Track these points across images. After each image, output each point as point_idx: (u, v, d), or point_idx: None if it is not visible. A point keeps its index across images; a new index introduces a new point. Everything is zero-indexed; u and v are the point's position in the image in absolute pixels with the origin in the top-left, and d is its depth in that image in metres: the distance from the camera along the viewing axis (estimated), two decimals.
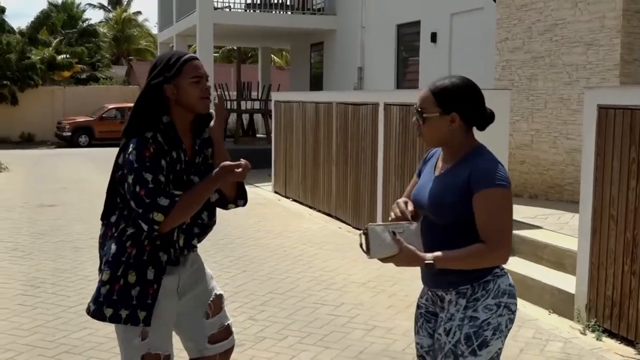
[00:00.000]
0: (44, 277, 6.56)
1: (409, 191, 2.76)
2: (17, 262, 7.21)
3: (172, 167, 2.74)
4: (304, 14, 17.45)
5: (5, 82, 28.93)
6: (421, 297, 2.75)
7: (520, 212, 7.54)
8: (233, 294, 6.02)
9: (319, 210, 10.41)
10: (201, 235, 3.04)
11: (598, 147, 5.12)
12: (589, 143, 5.22)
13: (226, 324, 3.10)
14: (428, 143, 2.66)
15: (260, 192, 12.73)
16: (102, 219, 2.89)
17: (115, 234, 2.78)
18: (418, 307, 2.76)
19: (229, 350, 3.13)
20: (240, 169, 2.69)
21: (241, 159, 2.73)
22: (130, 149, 2.65)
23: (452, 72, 12.22)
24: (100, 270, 2.80)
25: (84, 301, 5.76)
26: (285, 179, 12.03)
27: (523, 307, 5.68)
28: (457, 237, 2.44)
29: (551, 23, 8.45)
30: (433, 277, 2.55)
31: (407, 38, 14.00)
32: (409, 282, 6.49)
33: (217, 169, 2.71)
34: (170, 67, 2.73)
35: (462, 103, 2.56)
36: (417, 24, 13.40)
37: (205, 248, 7.79)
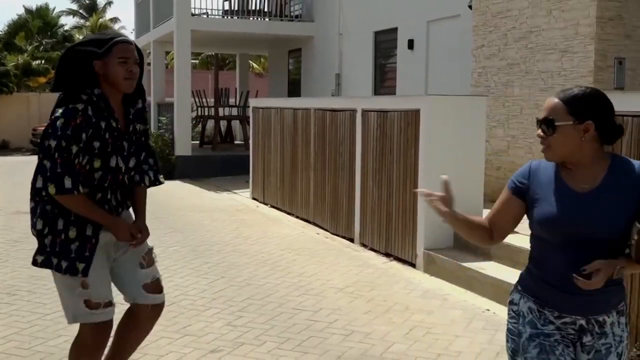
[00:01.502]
0: (20, 285, 6.50)
1: (499, 209, 2.69)
2: None
3: (101, 136, 3.06)
4: (281, 20, 17.47)
5: None
6: (546, 324, 2.47)
7: None
8: (211, 300, 6.01)
9: (297, 217, 10.42)
10: (124, 196, 3.36)
11: None
12: None
13: (157, 277, 3.45)
14: (553, 156, 2.46)
15: (238, 199, 12.72)
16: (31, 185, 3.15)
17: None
18: (547, 335, 2.46)
19: (160, 306, 3.45)
20: (126, 239, 3.23)
21: (139, 235, 3.27)
22: (59, 115, 3.01)
23: (429, 79, 12.32)
24: (33, 224, 3.17)
25: (60, 309, 5.73)
26: (264, 185, 12.02)
27: (499, 311, 5.75)
28: (610, 251, 2.33)
29: (526, 30, 8.56)
30: (591, 304, 2.39)
31: (385, 45, 14.07)
32: (387, 287, 6.54)
33: (124, 225, 3.24)
34: (101, 44, 3.07)
35: (596, 111, 2.42)
36: (394, 30, 13.47)
37: (183, 254, 7.84)
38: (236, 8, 17.45)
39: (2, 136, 29.22)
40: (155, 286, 3.38)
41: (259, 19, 17.53)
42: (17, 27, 31.52)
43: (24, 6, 36.60)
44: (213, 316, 5.57)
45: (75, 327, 3.44)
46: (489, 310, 5.79)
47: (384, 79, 14.25)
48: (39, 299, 6.03)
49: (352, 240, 8.66)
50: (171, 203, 12.06)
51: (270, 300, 6.04)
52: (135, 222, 3.35)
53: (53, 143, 2.95)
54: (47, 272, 6.96)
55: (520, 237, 6.58)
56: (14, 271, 7.03)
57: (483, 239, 2.69)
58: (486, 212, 7.98)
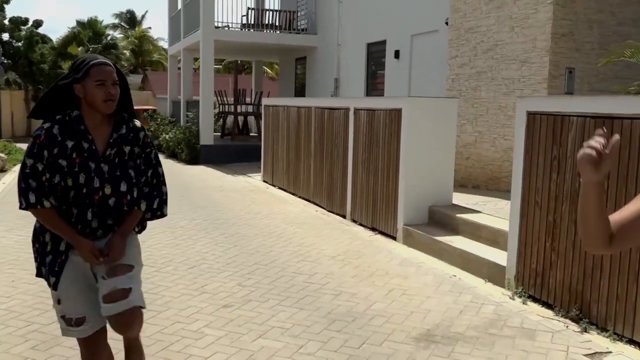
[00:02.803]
0: None
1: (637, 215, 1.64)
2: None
3: (67, 155, 2.65)
4: (290, 33, 17.35)
5: (39, 87, 28.57)
6: None
7: (464, 199, 7.61)
8: (225, 264, 6.02)
9: (299, 197, 10.41)
10: (115, 220, 2.78)
11: (527, 146, 5.17)
12: (519, 142, 5.27)
13: (120, 287, 2.70)
14: None
15: (251, 181, 12.71)
16: None
17: None
18: None
19: (124, 315, 2.70)
20: (89, 259, 2.69)
21: (100, 258, 2.68)
22: (32, 135, 2.69)
23: (412, 83, 12.26)
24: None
25: None
26: (273, 170, 12.01)
27: (464, 277, 5.76)
28: None
29: (492, 44, 8.50)
30: None
31: (375, 54, 13.99)
32: (372, 255, 6.53)
33: (87, 245, 2.67)
34: (79, 70, 2.68)
35: None
36: (383, 42, 13.39)
37: (204, 226, 7.82)
38: (252, 22, 17.35)
39: None
40: (111, 296, 2.68)
41: (272, 31, 17.42)
42: (70, 38, 31.31)
43: (76, 20, 36.40)
44: (226, 277, 5.58)
45: None
46: (455, 276, 5.78)
47: (374, 83, 14.18)
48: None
49: (344, 216, 8.65)
50: (195, 184, 12.07)
51: (274, 265, 6.05)
52: (111, 240, 2.74)
53: (23, 160, 2.67)
54: None
55: (482, 216, 6.61)
56: None
57: (600, 237, 1.64)
58: (456, 195, 8.07)
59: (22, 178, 2.64)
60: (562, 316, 4.66)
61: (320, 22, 16.85)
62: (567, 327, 4.47)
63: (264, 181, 12.46)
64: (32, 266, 4.95)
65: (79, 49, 31.62)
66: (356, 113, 8.34)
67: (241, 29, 17.39)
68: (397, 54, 12.79)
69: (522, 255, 5.21)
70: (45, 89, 28.61)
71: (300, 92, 18.29)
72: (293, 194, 10.73)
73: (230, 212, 8.97)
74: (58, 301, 2.74)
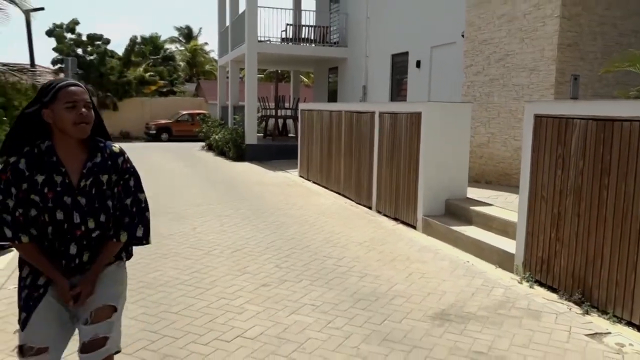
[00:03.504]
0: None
1: None
2: None
3: (38, 190, 2.18)
4: (324, 46, 17.30)
5: (108, 94, 29.21)
6: None
7: (478, 193, 7.48)
8: (265, 249, 6.03)
9: (331, 190, 10.38)
10: (95, 254, 2.33)
11: (534, 145, 5.04)
12: (527, 142, 5.14)
13: (101, 335, 2.26)
14: None
15: (289, 176, 12.74)
16: None
17: None
18: None
19: None
20: (63, 299, 2.26)
21: (71, 301, 2.25)
22: None
23: (431, 90, 12.10)
24: None
25: (158, 251, 5.82)
26: (308, 166, 12.00)
27: (476, 262, 5.66)
28: None
29: (504, 54, 8.31)
30: None
31: (399, 64, 13.85)
32: (394, 243, 6.47)
33: (61, 286, 2.24)
34: (46, 93, 2.20)
35: None
36: (406, 54, 13.25)
37: (247, 215, 7.86)
38: (291, 36, 17.35)
39: (125, 128, 29.75)
40: (91, 345, 2.25)
41: (307, 44, 17.40)
42: (131, 47, 31.82)
43: (140, 35, 36.98)
44: (265, 260, 5.60)
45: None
46: (468, 261, 5.69)
47: (398, 90, 14.04)
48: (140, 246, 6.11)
49: (370, 208, 8.59)
50: (241, 178, 12.16)
51: (308, 250, 6.04)
52: (81, 283, 2.29)
53: None
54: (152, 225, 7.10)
55: (493, 208, 6.49)
56: None
57: None
58: (470, 190, 7.96)
59: None
60: (565, 299, 4.54)
61: (350, 36, 16.75)
62: (570, 309, 4.36)
63: (300, 176, 12.47)
64: None
65: (143, 63, 32.14)
66: (381, 116, 8.27)
67: (281, 43, 17.40)
68: (418, 64, 12.63)
69: (530, 244, 5.09)
70: (113, 96, 29.37)
71: (332, 98, 18.23)
72: (325, 187, 10.71)
73: (270, 203, 9.00)
74: (22, 328, 2.24)
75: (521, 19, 7.96)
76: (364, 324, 3.98)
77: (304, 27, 17.69)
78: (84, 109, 2.20)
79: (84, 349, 2.27)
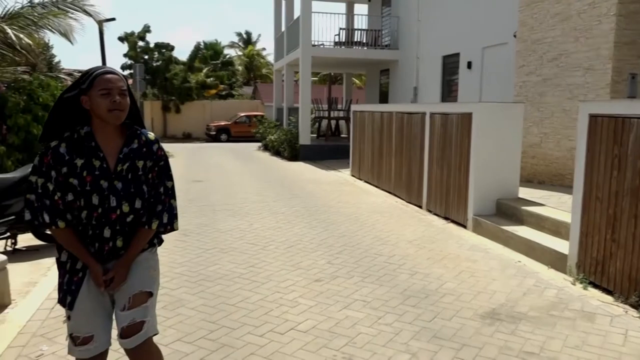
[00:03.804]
0: (191, 229, 6.76)
1: None
2: None
3: (77, 174, 2.18)
4: (375, 49, 17.17)
5: (172, 97, 30.14)
6: None
7: (529, 193, 7.22)
8: (317, 245, 6.05)
9: (382, 189, 10.30)
10: (128, 240, 2.32)
11: (588, 145, 4.82)
12: (581, 142, 4.92)
13: (138, 320, 2.29)
14: None
15: (341, 175, 12.73)
16: None
17: None
18: None
19: (139, 352, 2.32)
20: (96, 283, 2.26)
21: (103, 287, 2.26)
22: (39, 153, 2.22)
23: (482, 90, 11.78)
24: None
25: (217, 246, 5.96)
26: (359, 166, 11.96)
27: (528, 263, 5.47)
28: None
29: (557, 53, 7.98)
30: None
31: (450, 65, 13.57)
32: (444, 241, 6.35)
33: (95, 270, 2.24)
34: (84, 81, 2.21)
35: None
36: (457, 55, 12.96)
37: (301, 212, 7.92)
38: (343, 40, 17.35)
39: (187, 129, 30.60)
40: (129, 330, 2.27)
41: (360, 48, 17.34)
42: (194, 54, 32.69)
43: (203, 41, 38.06)
44: (318, 256, 5.61)
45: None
46: (520, 261, 5.50)
47: (449, 91, 13.76)
48: (203, 239, 6.28)
49: (420, 207, 8.46)
50: (295, 177, 12.25)
51: (359, 247, 6.01)
52: (114, 267, 2.29)
53: (33, 179, 2.19)
54: (209, 221, 7.26)
55: (546, 208, 6.24)
56: (189, 220, 7.30)
57: None
58: (522, 190, 7.71)
59: (35, 197, 2.19)
60: (621, 302, 4.31)
61: (401, 38, 16.56)
62: (626, 312, 4.13)
63: (352, 175, 12.44)
64: (164, 241, 5.16)
65: (204, 68, 32.96)
66: (432, 117, 8.12)
67: (334, 46, 17.42)
68: (469, 65, 12.34)
69: (584, 245, 4.86)
70: (176, 99, 30.29)
71: (383, 99, 18.09)
72: (376, 186, 10.63)
73: (323, 201, 9.02)
74: (68, 318, 2.29)
75: (576, 17, 7.62)
76: (413, 321, 3.92)
77: (356, 31, 17.64)
78: (118, 97, 2.19)
79: (123, 334, 2.29)
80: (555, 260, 5.27)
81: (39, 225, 2.19)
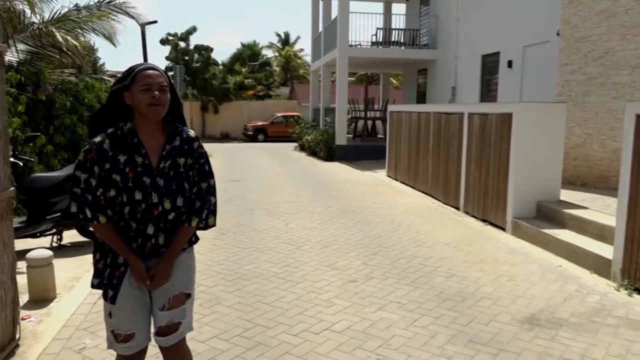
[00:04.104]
0: (229, 228, 6.85)
1: None
2: None
3: (120, 170, 2.20)
4: (413, 48, 17.02)
5: (211, 98, 30.64)
6: None
7: (572, 196, 7.02)
8: (352, 246, 6.04)
9: (418, 190, 10.20)
10: (170, 237, 2.32)
11: (635, 146, 4.64)
12: (627, 143, 4.74)
13: (176, 321, 2.34)
14: None
15: (377, 176, 12.67)
16: None
17: None
18: None
19: (174, 350, 2.38)
20: (138, 281, 2.27)
21: (147, 280, 2.26)
22: (83, 149, 2.24)
23: (523, 90, 11.52)
24: None
25: (253, 245, 6.03)
26: (396, 166, 11.87)
27: (569, 267, 5.31)
28: None
29: (603, 51, 7.73)
30: None
31: (490, 65, 13.31)
32: (482, 244, 6.23)
33: (137, 266, 2.25)
34: (127, 77, 2.22)
35: None
36: (497, 54, 12.71)
37: (336, 213, 7.92)
38: (381, 40, 17.26)
39: (225, 129, 31.06)
40: (167, 329, 2.33)
41: (397, 47, 17.21)
42: (235, 57, 33.19)
43: (240, 42, 38.60)
44: (353, 257, 5.60)
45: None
46: (561, 266, 5.35)
47: (488, 90, 13.51)
48: (240, 238, 6.36)
49: (457, 208, 8.34)
50: (331, 177, 12.26)
51: (394, 249, 5.97)
52: (157, 264, 2.29)
53: (78, 174, 2.21)
54: (246, 221, 7.34)
55: (589, 212, 6.05)
56: (226, 219, 7.40)
57: None
58: (564, 192, 7.51)
59: (79, 192, 2.20)
60: None
61: (440, 37, 16.35)
62: None
63: (388, 176, 12.36)
64: (202, 239, 5.27)
65: (243, 69, 33.39)
66: (470, 117, 7.99)
67: (371, 46, 17.35)
68: (509, 64, 12.08)
69: (629, 250, 4.69)
70: (215, 100, 30.78)
71: (420, 99, 17.90)
72: (413, 187, 10.53)
73: (359, 201, 8.99)
74: (109, 315, 2.31)
75: (622, 14, 7.36)
76: (449, 324, 3.87)
77: (393, 31, 17.52)
78: (157, 92, 2.18)
79: (160, 332, 2.34)
80: (598, 266, 5.10)
81: (83, 219, 2.22)
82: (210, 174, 2.39)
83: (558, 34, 8.93)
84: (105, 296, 2.30)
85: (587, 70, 8.04)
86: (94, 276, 2.34)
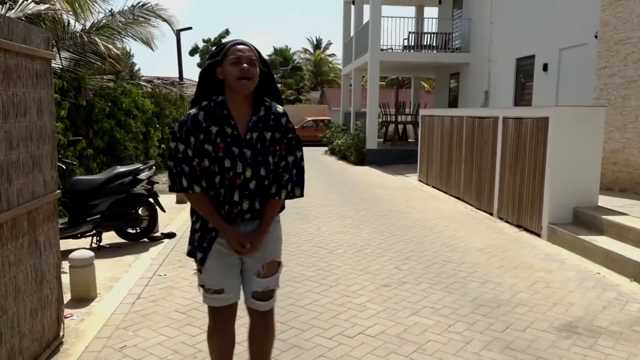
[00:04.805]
0: None
1: None
2: None
3: (212, 140, 2.32)
4: (445, 52, 16.90)
5: None
6: None
7: (610, 202, 6.86)
8: (385, 250, 6.04)
9: (451, 195, 10.11)
10: (262, 205, 2.45)
11: None
12: None
13: (271, 288, 2.54)
14: None
15: (408, 180, 12.61)
16: None
17: None
18: None
19: (266, 314, 2.57)
20: (235, 249, 2.40)
21: (247, 245, 2.39)
22: (178, 121, 2.37)
23: (559, 94, 11.30)
24: None
25: (286, 248, 6.02)
26: (427, 171, 11.80)
27: (608, 275, 5.20)
28: None
29: None
30: None
31: (524, 68, 13.11)
32: (516, 250, 6.15)
33: (234, 234, 2.38)
34: (219, 52, 2.34)
35: None
36: (532, 57, 12.50)
37: (368, 217, 7.93)
38: (412, 44, 17.19)
39: None
40: (264, 295, 2.52)
41: (429, 51, 17.11)
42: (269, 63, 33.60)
43: (273, 47, 38.99)
44: (386, 261, 5.60)
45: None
46: (599, 273, 5.23)
47: (522, 94, 13.29)
48: None
49: (491, 214, 8.23)
50: (361, 181, 12.26)
51: (427, 253, 5.94)
52: (254, 234, 2.43)
53: (172, 145, 2.36)
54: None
55: (629, 218, 5.90)
56: None
57: None
58: (602, 198, 7.36)
59: (175, 163, 2.35)
60: None
61: (473, 41, 16.19)
62: None
63: (420, 180, 12.29)
64: None
65: (276, 75, 33.66)
66: (505, 121, 7.89)
67: (403, 50, 17.30)
68: (545, 67, 11.86)
69: None
70: None
71: (453, 103, 17.74)
72: (445, 192, 10.45)
73: (390, 206, 8.97)
74: (199, 270, 2.49)
75: None
76: (485, 330, 3.83)
77: (426, 35, 17.43)
78: (245, 65, 2.28)
79: (256, 297, 2.52)
80: (638, 273, 4.97)
81: (177, 190, 2.36)
82: (297, 147, 2.48)
83: (596, 37, 8.74)
84: (194, 257, 2.46)
85: (626, 73, 7.85)
86: (189, 243, 2.51)
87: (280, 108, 2.46)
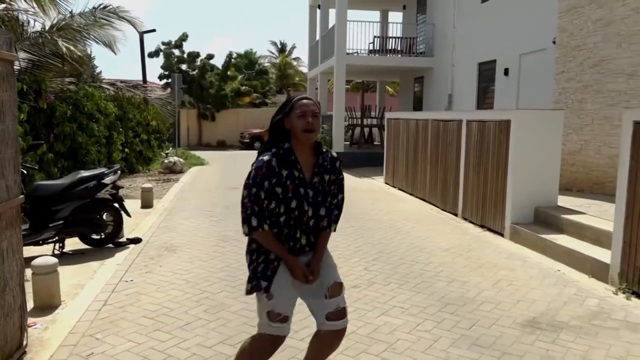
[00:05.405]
0: (230, 235, 6.89)
1: None
2: (213, 225, 7.62)
3: (282, 183, 2.57)
4: (410, 56, 17.17)
5: (208, 106, 30.68)
6: None
7: (569, 201, 7.11)
8: (353, 252, 6.10)
9: (416, 196, 10.28)
10: (316, 238, 2.73)
11: (632, 153, 4.74)
12: (625, 150, 4.84)
13: (342, 306, 2.73)
14: None
15: (374, 183, 12.75)
16: None
17: None
18: None
19: (341, 332, 2.75)
20: (300, 278, 2.62)
21: (310, 277, 2.63)
22: (253, 166, 2.58)
23: (520, 97, 11.65)
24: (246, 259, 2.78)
25: None
26: (393, 173, 11.96)
27: (568, 272, 5.39)
28: None
29: (599, 59, 7.85)
30: None
31: (486, 72, 13.46)
32: (481, 249, 6.31)
33: (300, 266, 2.62)
34: (287, 106, 2.63)
35: None
36: (493, 62, 12.85)
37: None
38: (377, 48, 17.41)
39: (221, 137, 31.05)
40: (338, 313, 2.71)
41: (394, 55, 17.36)
42: (227, 62, 33.16)
43: (234, 52, 38.76)
44: (354, 263, 5.66)
45: None
46: (559, 270, 5.43)
47: (485, 98, 13.64)
48: (242, 245, 6.37)
49: (456, 214, 8.42)
50: None
51: (395, 254, 6.03)
52: (310, 264, 2.69)
53: (246, 191, 2.57)
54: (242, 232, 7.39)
55: (586, 217, 6.14)
56: (227, 226, 7.46)
57: None
58: (561, 198, 7.61)
59: (248, 205, 2.56)
60: None
61: (436, 45, 16.51)
62: None
63: (386, 183, 12.44)
64: (204, 247, 5.28)
65: (239, 76, 33.43)
66: (468, 124, 8.09)
67: (368, 54, 17.49)
68: (506, 72, 12.22)
69: (627, 255, 4.77)
70: (211, 107, 30.82)
71: (417, 107, 18.03)
72: (411, 194, 10.62)
73: (358, 208, 9.06)
74: (269, 297, 2.62)
75: (619, 23, 7.49)
76: (452, 328, 3.93)
77: (390, 39, 17.68)
78: (310, 118, 2.57)
79: (332, 317, 2.70)
80: (596, 270, 5.18)
81: (248, 229, 2.57)
82: (344, 188, 2.82)
83: (554, 42, 9.06)
84: (259, 287, 2.62)
85: (583, 78, 8.17)
86: (249, 281, 2.68)
87: (334, 153, 2.79)
